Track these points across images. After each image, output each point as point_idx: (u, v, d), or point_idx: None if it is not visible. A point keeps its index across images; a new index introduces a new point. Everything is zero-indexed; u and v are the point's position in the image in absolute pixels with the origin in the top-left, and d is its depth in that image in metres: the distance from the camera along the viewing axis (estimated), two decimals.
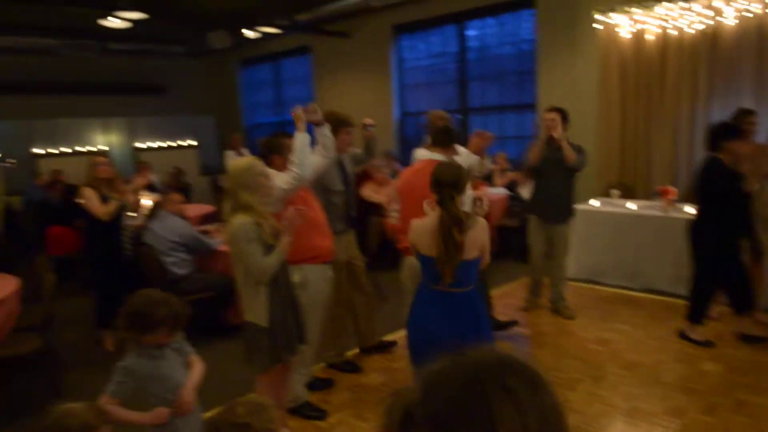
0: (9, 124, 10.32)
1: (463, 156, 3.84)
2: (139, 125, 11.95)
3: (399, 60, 9.86)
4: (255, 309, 2.81)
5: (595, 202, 6.23)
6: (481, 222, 2.78)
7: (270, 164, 3.26)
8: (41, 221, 7.08)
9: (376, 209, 6.62)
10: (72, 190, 7.27)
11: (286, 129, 11.80)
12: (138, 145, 11.87)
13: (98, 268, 4.67)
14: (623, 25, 6.67)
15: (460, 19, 8.89)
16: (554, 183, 4.83)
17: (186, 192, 9.00)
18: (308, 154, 3.31)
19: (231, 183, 2.79)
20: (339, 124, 3.81)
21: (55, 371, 3.96)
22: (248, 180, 2.76)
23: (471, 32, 9.00)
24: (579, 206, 5.95)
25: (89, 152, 11.09)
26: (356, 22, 9.82)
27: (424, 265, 2.81)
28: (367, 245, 5.48)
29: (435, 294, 2.77)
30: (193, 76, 13.16)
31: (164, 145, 12.21)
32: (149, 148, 11.93)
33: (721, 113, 5.84)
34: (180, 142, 12.39)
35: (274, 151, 3.40)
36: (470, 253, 2.70)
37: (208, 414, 2.41)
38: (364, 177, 7.26)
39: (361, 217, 5.98)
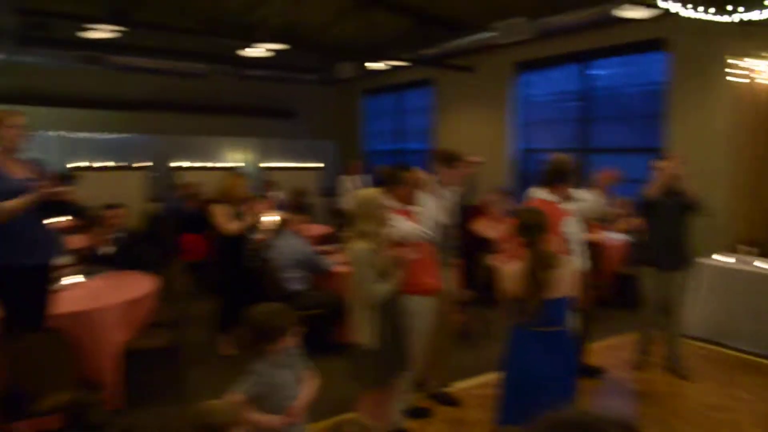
0: (153, 138, 11.46)
1: (583, 198, 3.83)
2: (268, 146, 12.81)
3: (519, 96, 9.87)
4: (364, 331, 2.99)
5: (721, 258, 5.84)
6: (571, 262, 2.97)
7: (390, 193, 3.46)
8: (177, 228, 7.79)
9: (488, 245, 6.62)
10: (207, 203, 7.96)
11: (406, 158, 12.05)
12: (265, 164, 12.70)
13: (225, 277, 5.08)
14: (760, 70, 6.27)
15: (584, 58, 8.76)
16: (670, 227, 4.63)
17: (307, 212, 9.51)
18: (435, 215, 3.57)
19: (356, 210, 3.03)
20: (450, 159, 4.00)
21: (179, 366, 4.35)
22: (370, 210, 2.99)
23: (595, 71, 8.83)
24: (704, 260, 5.63)
25: (222, 168, 12.06)
26: (479, 58, 9.97)
27: (516, 307, 2.94)
28: (475, 280, 5.52)
29: (528, 334, 2.90)
30: (321, 102, 13.92)
31: (290, 166, 12.97)
32: (275, 168, 12.72)
33: None
34: (304, 164, 13.10)
35: (395, 183, 3.59)
36: (557, 291, 2.81)
37: (311, 426, 2.57)
38: (478, 212, 7.30)
39: (471, 251, 6.03)
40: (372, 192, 3.13)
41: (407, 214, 3.54)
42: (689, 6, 4.36)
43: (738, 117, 6.55)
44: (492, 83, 10.07)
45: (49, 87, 10.73)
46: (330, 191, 12.91)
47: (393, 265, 3.04)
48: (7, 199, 3.05)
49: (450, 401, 4.21)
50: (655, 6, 5.34)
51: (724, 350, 5.42)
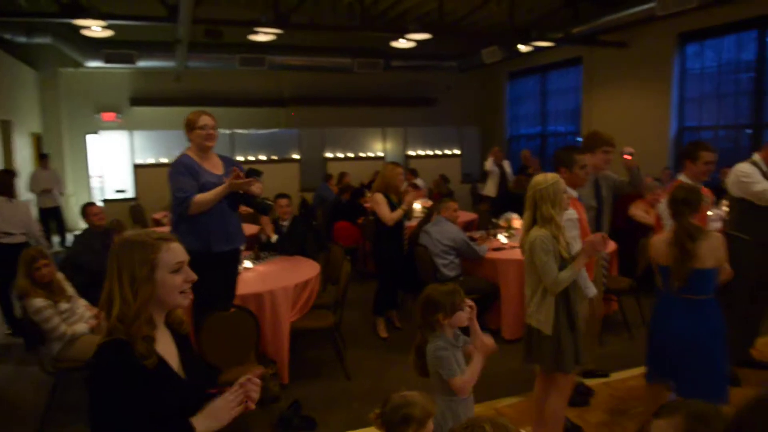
0: (307, 131, 12.17)
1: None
2: (411, 134, 13.05)
3: (682, 71, 9.10)
4: (540, 317, 2.98)
5: None
6: (717, 236, 3.02)
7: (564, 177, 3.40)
8: (331, 217, 8.24)
9: (645, 230, 6.23)
10: (358, 192, 8.33)
11: (548, 140, 11.69)
12: (409, 152, 12.96)
13: (382, 262, 5.30)
14: None
15: (761, 24, 7.84)
16: None
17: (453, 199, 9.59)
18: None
19: (535, 195, 2.96)
20: (598, 143, 3.87)
21: (340, 346, 4.63)
22: (553, 195, 2.92)
23: None
24: None
25: (368, 158, 12.50)
26: (635, 32, 9.33)
27: (663, 274, 3.12)
28: (634, 267, 5.23)
29: (675, 300, 3.06)
30: (462, 89, 13.88)
31: (431, 153, 13.12)
32: (418, 156, 12.93)
33: None
34: (446, 151, 13.18)
35: (562, 164, 3.51)
36: (704, 262, 2.94)
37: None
38: (636, 196, 6.88)
39: (628, 237, 5.72)
40: (553, 176, 3.01)
41: (573, 200, 3.45)
42: None
43: None
44: (650, 58, 9.39)
45: (215, 88, 11.83)
46: (471, 177, 12.88)
47: (576, 251, 3.01)
48: (206, 191, 3.45)
49: (602, 373, 4.23)
50: None
51: None
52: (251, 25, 7.79)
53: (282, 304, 4.19)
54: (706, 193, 3.68)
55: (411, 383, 2.14)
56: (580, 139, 11.06)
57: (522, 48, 9.91)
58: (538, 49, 10.16)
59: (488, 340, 2.51)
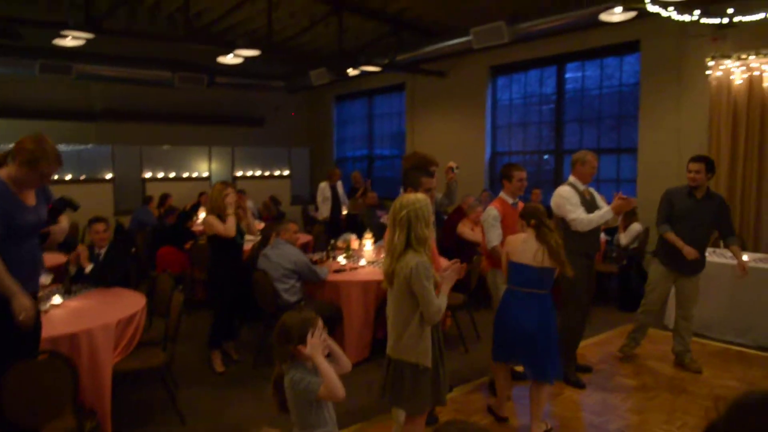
0: (121, 149, 11.11)
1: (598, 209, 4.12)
2: (239, 154, 12.59)
3: (494, 100, 9.96)
4: (419, 350, 2.77)
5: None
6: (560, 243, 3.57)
7: None
8: (153, 242, 7.55)
9: (473, 247, 6.63)
10: (185, 215, 7.73)
11: (375, 163, 11.94)
12: (237, 173, 12.48)
13: (217, 290, 4.91)
14: (736, 71, 6.47)
15: (559, 61, 8.90)
16: (694, 233, 4.63)
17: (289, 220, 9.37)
18: None
19: (410, 215, 2.73)
20: (425, 164, 4.02)
21: (171, 386, 4.17)
22: (427, 214, 2.75)
23: (569, 74, 8.97)
24: None
25: (191, 179, 11.78)
26: (452, 62, 10.02)
27: (515, 270, 3.64)
28: (465, 284, 5.50)
29: (519, 293, 3.63)
30: (290, 109, 13.77)
31: (260, 174, 12.77)
32: (246, 177, 12.51)
33: None
34: (275, 172, 12.93)
35: (411, 186, 3.53)
36: (544, 261, 3.54)
37: None
38: (460, 215, 7.31)
39: (456, 254, 6.02)
40: (423, 195, 2.85)
41: None
42: (675, 9, 4.44)
43: (714, 117, 6.74)
44: (466, 87, 10.14)
45: (13, 97, 10.31)
46: (300, 199, 12.78)
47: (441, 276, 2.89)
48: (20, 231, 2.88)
49: None
50: (637, 9, 5.44)
51: (711, 342, 5.55)
52: (56, 27, 6.89)
53: (102, 345, 3.65)
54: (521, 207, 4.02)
55: (252, 421, 1.95)
56: None
57: (350, 72, 10.10)
58: (364, 73, 10.44)
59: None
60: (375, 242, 6.20)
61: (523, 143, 9.79)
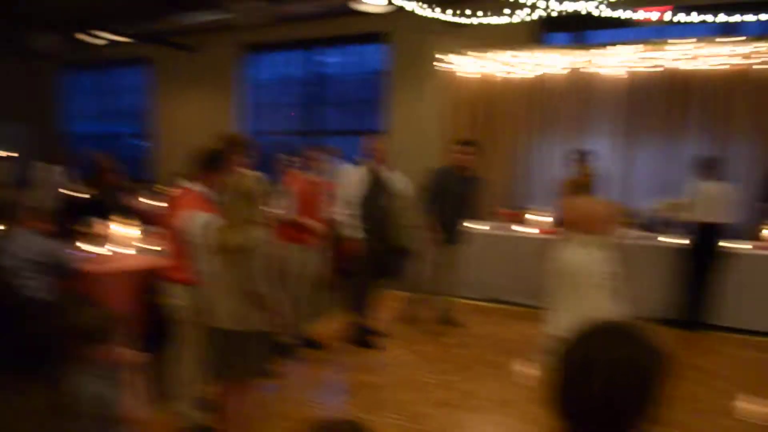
0: None
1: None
2: None
3: (245, 79, 9.84)
4: (254, 316, 2.94)
5: (482, 225, 6.70)
6: None
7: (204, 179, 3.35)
8: None
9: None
10: None
11: (116, 141, 10.85)
12: None
13: None
14: (463, 65, 7.51)
15: (310, 45, 9.19)
16: (453, 209, 5.32)
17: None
18: None
19: (246, 196, 2.81)
20: (237, 145, 3.94)
21: None
22: (263, 192, 2.88)
23: (321, 58, 9.35)
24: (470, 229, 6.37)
25: None
26: (204, 37, 9.62)
27: None
28: None
29: None
30: (6, 79, 11.66)
31: None
32: None
33: (549, 149, 6.91)
34: None
35: (216, 167, 3.39)
36: None
37: None
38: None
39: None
40: (255, 173, 2.98)
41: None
42: (424, 4, 4.98)
43: (446, 106, 7.72)
44: (218, 64, 9.84)
45: None
46: (23, 183, 11.01)
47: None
48: None
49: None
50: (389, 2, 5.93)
51: (490, 304, 6.43)
52: None
53: None
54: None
55: None
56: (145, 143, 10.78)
57: (86, 40, 8.97)
58: (101, 42, 9.35)
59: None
60: (128, 226, 5.66)
61: (275, 123, 9.89)
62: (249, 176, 2.93)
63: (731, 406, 3.97)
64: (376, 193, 4.83)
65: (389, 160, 5.01)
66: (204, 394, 3.43)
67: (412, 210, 5.43)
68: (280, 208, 4.42)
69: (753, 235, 5.92)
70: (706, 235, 5.49)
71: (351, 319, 5.05)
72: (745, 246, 5.71)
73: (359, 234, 4.76)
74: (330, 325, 5.39)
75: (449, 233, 5.38)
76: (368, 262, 4.82)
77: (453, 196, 5.31)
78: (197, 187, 3.36)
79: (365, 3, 6.16)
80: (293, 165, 4.79)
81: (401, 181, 5.04)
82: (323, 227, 4.74)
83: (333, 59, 9.31)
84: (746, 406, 3.91)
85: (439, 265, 5.48)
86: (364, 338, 5.00)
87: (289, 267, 4.48)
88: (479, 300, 6.42)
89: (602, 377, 1.02)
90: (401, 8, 5.92)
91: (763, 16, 5.77)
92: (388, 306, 5.69)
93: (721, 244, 5.50)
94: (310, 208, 4.58)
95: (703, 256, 5.51)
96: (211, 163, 3.40)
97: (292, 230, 4.49)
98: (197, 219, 3.00)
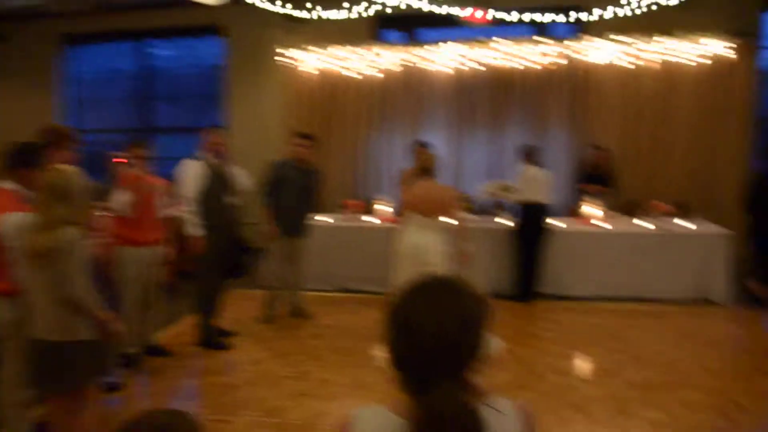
0: None
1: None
2: None
3: (67, 72, 8.96)
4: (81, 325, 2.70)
5: (328, 218, 6.74)
6: None
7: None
8: None
9: None
10: None
11: None
12: None
13: None
14: (304, 60, 7.53)
15: (141, 37, 8.61)
16: (295, 201, 5.30)
17: None
18: None
19: (62, 193, 2.57)
20: (63, 138, 3.63)
21: None
22: (84, 188, 2.68)
23: (155, 51, 8.80)
24: (316, 222, 6.31)
25: None
26: (17, 26, 8.59)
27: None
28: None
29: None
30: None
31: None
32: None
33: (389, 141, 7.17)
34: None
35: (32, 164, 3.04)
36: None
37: None
38: None
39: None
40: (73, 168, 2.70)
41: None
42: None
43: (288, 100, 7.69)
44: (34, 56, 8.84)
45: None
46: None
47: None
48: None
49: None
50: None
51: (340, 294, 6.45)
52: None
53: None
54: None
55: None
56: None
57: None
58: None
59: None
60: None
61: (103, 121, 9.14)
62: (66, 172, 2.65)
63: (559, 364, 4.47)
64: (217, 188, 4.68)
65: (230, 155, 4.88)
66: (35, 417, 3.10)
67: (254, 205, 5.36)
68: (114, 208, 4.12)
69: (572, 213, 6.67)
70: (532, 214, 6.07)
71: (199, 321, 4.85)
72: (566, 223, 6.41)
73: (201, 231, 4.59)
74: (177, 330, 5.16)
75: (291, 226, 5.37)
76: (212, 260, 4.66)
77: (293, 188, 5.31)
78: (9, 185, 3.01)
79: None
80: (124, 163, 4.47)
81: (242, 176, 4.94)
82: (162, 227, 4.50)
83: (165, 52, 8.81)
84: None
85: (284, 259, 5.46)
86: (214, 340, 4.83)
87: (126, 271, 4.21)
88: (329, 291, 6.48)
89: (429, 329, 1.09)
90: (239, 1, 5.77)
91: (572, 18, 6.53)
92: (240, 305, 5.58)
93: (546, 221, 6.11)
94: (146, 208, 4.31)
95: (530, 234, 6.09)
96: (25, 159, 3.06)
97: (127, 231, 4.19)
98: (10, 220, 2.68)
